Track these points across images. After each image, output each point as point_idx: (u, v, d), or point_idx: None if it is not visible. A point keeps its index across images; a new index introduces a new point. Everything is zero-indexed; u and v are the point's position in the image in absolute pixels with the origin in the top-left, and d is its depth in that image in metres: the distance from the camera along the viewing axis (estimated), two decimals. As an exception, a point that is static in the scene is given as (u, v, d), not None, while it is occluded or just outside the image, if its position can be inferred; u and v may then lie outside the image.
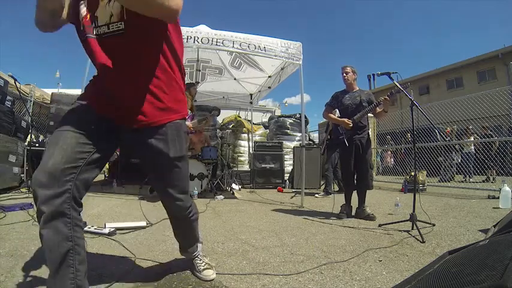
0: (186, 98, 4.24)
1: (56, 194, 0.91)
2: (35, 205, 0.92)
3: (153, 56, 1.09)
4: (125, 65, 1.05)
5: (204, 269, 1.52)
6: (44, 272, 1.47)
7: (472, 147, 7.08)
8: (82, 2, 1.06)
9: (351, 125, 3.10)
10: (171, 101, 1.16)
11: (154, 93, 1.10)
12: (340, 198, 3.53)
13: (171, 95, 1.16)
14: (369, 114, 3.31)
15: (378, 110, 3.16)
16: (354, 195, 3.24)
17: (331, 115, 3.37)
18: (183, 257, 1.62)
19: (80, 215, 0.98)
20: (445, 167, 7.23)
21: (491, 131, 6.77)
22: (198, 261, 1.54)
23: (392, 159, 9.22)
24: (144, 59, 1.08)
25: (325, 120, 5.70)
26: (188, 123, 3.74)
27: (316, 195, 5.10)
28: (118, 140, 1.18)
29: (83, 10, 1.06)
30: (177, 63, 1.19)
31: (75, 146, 0.99)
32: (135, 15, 0.99)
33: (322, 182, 6.38)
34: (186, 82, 3.98)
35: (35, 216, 2.73)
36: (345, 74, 3.28)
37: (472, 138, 6.63)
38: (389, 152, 9.28)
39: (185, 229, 1.47)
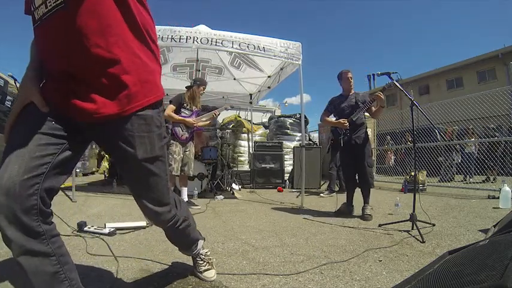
0: (195, 95, 4.14)
1: (21, 213, 0.75)
2: None
3: (109, 29, 0.85)
4: (72, 46, 0.83)
5: (204, 270, 1.49)
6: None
7: (473, 148, 7.07)
8: None
9: (347, 124, 3.16)
10: (136, 83, 0.90)
11: (112, 75, 0.86)
12: (341, 198, 3.54)
13: (135, 75, 0.90)
14: (367, 115, 3.33)
15: (374, 108, 3.20)
16: (357, 196, 3.25)
17: (328, 119, 3.44)
18: (184, 256, 1.60)
19: (52, 222, 0.85)
20: (446, 167, 7.23)
21: (495, 131, 6.72)
22: (200, 261, 1.49)
23: (392, 159, 9.09)
24: (96, 35, 0.83)
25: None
26: (190, 119, 3.70)
27: (322, 194, 5.10)
28: (83, 137, 0.97)
29: None
30: (148, 34, 0.96)
31: (34, 149, 0.80)
32: None
33: (322, 182, 6.39)
34: (195, 79, 3.90)
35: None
36: (350, 79, 3.31)
37: (473, 139, 6.62)
38: (389, 152, 9.11)
39: (176, 236, 1.36)
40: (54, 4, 0.81)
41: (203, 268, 1.49)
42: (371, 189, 3.23)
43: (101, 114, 0.86)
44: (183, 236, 1.35)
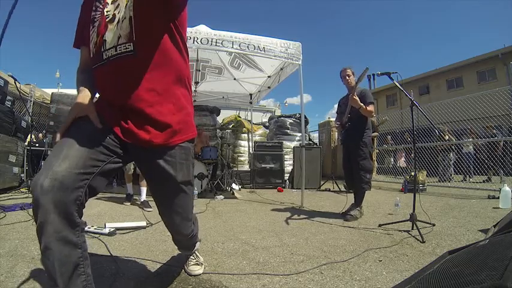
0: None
1: (68, 201, 0.83)
2: (34, 216, 0.83)
3: (163, 77, 1.05)
4: (133, 86, 1.01)
5: (192, 264, 1.57)
6: (44, 272, 1.47)
7: (471, 147, 7.06)
8: (92, 28, 1.05)
9: (333, 128, 3.12)
10: (181, 123, 1.11)
11: (164, 115, 1.05)
12: (346, 198, 3.54)
13: (181, 117, 1.11)
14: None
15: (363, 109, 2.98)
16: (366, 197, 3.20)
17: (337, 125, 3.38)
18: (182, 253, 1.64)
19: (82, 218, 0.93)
20: (443, 166, 7.23)
21: (495, 129, 6.70)
22: (191, 257, 1.59)
23: (403, 159, 8.86)
24: (153, 80, 1.03)
25: (325, 120, 5.76)
26: None
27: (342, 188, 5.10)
28: (127, 155, 1.11)
29: (93, 35, 1.04)
30: (188, 83, 1.17)
31: (90, 152, 0.93)
32: (145, 36, 0.98)
33: (322, 182, 6.39)
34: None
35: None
36: (347, 77, 3.15)
37: (471, 139, 6.62)
38: (403, 154, 8.86)
39: (184, 243, 1.50)
40: (125, 50, 0.98)
41: (192, 262, 1.58)
42: (363, 191, 3.07)
43: (153, 143, 1.05)
44: (190, 242, 1.50)
